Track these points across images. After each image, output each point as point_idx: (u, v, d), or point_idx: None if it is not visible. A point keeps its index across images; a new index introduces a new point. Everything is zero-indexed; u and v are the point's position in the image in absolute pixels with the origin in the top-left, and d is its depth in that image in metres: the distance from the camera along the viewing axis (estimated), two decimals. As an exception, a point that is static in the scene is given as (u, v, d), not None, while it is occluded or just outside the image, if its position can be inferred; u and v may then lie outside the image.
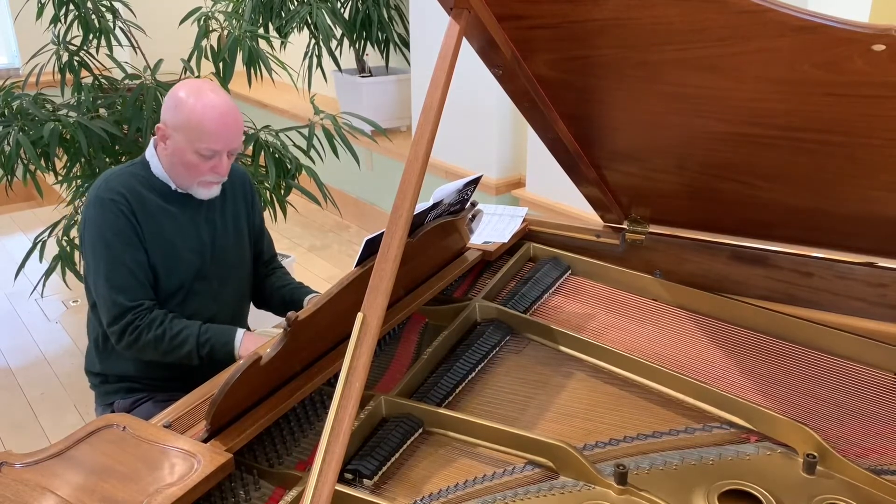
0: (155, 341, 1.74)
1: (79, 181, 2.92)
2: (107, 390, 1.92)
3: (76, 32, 3.00)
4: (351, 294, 1.30)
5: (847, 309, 1.59)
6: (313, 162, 3.00)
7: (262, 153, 2.87)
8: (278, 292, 2.02)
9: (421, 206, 1.46)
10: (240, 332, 1.75)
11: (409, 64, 4.19)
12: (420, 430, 1.30)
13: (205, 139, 1.72)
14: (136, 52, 3.17)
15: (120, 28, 3.10)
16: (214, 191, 1.83)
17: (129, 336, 1.74)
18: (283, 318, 1.27)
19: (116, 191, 1.77)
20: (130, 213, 1.76)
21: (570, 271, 1.79)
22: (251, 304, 2.07)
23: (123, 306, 1.74)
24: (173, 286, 1.83)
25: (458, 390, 1.42)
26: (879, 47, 1.02)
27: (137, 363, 1.84)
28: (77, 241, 2.72)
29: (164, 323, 1.75)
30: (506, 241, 1.86)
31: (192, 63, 2.90)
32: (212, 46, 2.95)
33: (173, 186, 1.83)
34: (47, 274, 2.99)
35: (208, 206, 1.88)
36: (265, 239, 2.07)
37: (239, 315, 2.01)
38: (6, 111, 2.76)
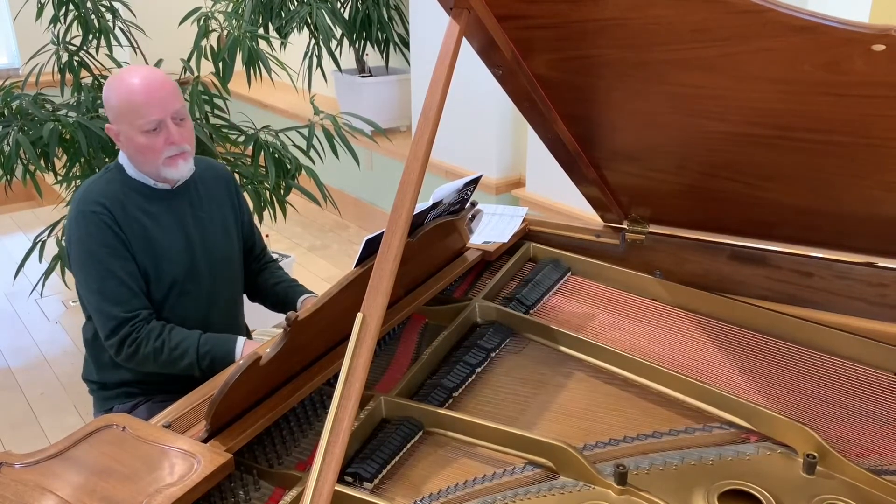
0: (154, 353, 1.71)
1: (78, 181, 2.91)
2: (105, 396, 1.90)
3: (76, 32, 3.00)
4: (351, 294, 1.29)
5: (847, 309, 1.59)
6: (313, 162, 3.00)
7: (262, 153, 2.87)
8: (273, 289, 2.00)
9: (421, 206, 1.46)
10: (240, 340, 1.73)
11: (409, 64, 4.19)
12: (420, 433, 1.30)
13: (141, 113, 1.69)
14: (136, 52, 3.17)
15: (120, 28, 3.10)
16: (183, 168, 1.77)
17: (127, 348, 1.72)
18: (282, 317, 1.27)
19: (95, 201, 1.74)
20: (113, 222, 1.73)
21: (570, 272, 1.79)
22: (245, 300, 2.05)
23: (119, 318, 1.72)
24: (164, 287, 1.80)
25: (457, 391, 1.42)
26: (879, 47, 1.02)
27: (134, 371, 1.82)
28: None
29: (162, 334, 1.72)
30: (506, 241, 1.86)
31: (192, 63, 2.90)
32: (211, 46, 2.94)
33: (152, 183, 1.80)
34: (47, 274, 2.99)
35: (191, 202, 1.86)
36: (256, 233, 2.06)
37: (234, 314, 1.99)
38: (6, 111, 2.76)
